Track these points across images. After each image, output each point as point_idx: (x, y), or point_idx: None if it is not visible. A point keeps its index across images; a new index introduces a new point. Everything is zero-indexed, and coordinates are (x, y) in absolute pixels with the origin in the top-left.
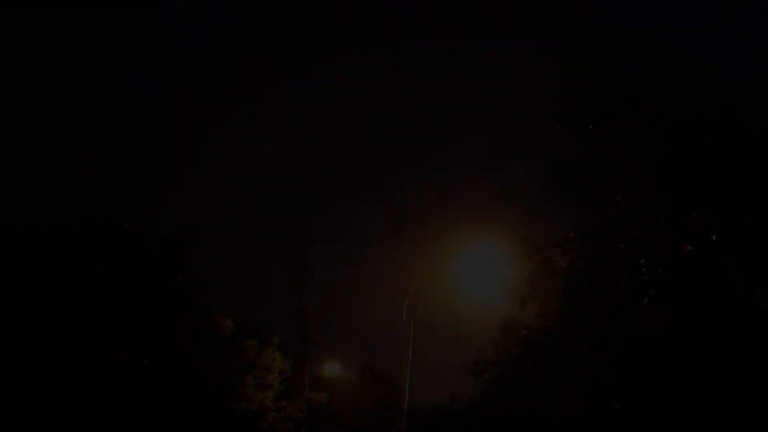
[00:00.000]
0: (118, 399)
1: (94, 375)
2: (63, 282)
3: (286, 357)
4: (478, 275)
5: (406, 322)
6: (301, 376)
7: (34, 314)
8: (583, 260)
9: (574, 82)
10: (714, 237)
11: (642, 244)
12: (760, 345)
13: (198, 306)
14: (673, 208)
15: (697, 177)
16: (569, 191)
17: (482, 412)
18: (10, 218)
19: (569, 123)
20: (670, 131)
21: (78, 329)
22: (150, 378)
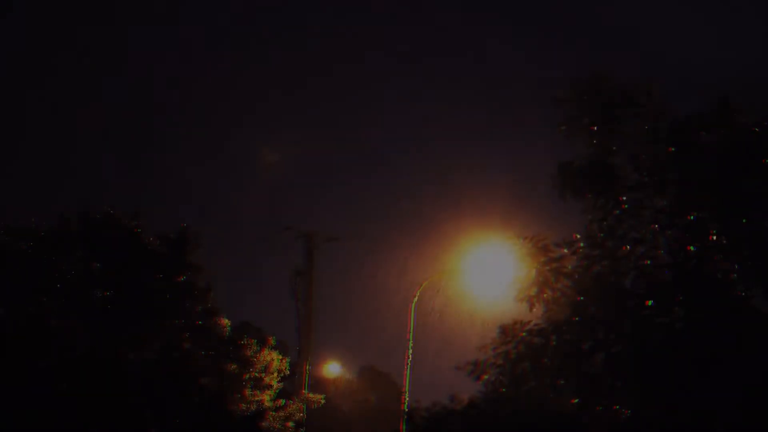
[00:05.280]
0: (117, 397)
1: (94, 374)
2: (64, 281)
3: (284, 357)
4: (485, 276)
5: (413, 323)
6: (300, 376)
7: (34, 313)
8: (590, 261)
9: (577, 83)
10: (714, 237)
11: (646, 245)
12: (760, 346)
13: (203, 304)
14: (674, 208)
15: (696, 177)
16: (575, 191)
17: (482, 412)
18: (9, 218)
19: (573, 124)
20: (670, 131)
21: (79, 327)
22: (149, 377)
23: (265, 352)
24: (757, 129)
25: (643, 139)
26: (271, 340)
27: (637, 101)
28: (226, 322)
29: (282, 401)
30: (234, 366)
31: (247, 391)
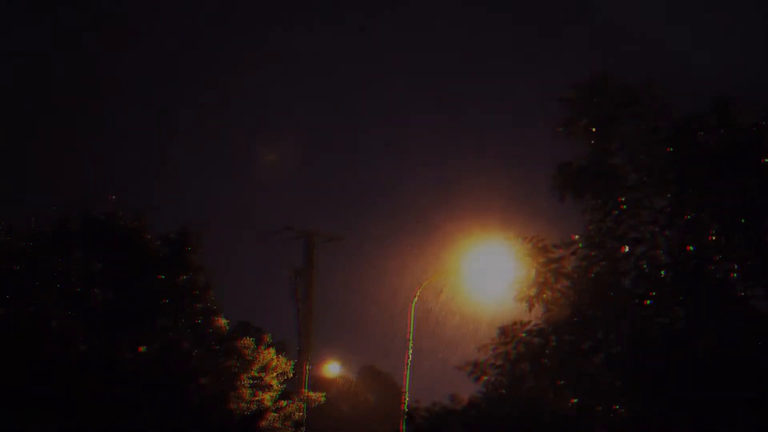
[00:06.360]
0: (117, 397)
1: (93, 374)
2: (64, 281)
3: (286, 357)
4: (485, 276)
5: (413, 323)
6: (301, 376)
7: (34, 313)
8: (589, 261)
9: (579, 84)
10: (714, 237)
11: (645, 245)
12: (760, 346)
13: (202, 304)
14: (673, 208)
15: (696, 177)
16: (575, 192)
17: (482, 412)
18: (10, 219)
19: (573, 125)
20: (671, 131)
21: (79, 327)
22: (149, 377)
23: (263, 349)
24: (756, 129)
25: (643, 139)
26: (267, 338)
27: (639, 102)
28: (224, 321)
29: (284, 402)
30: (233, 365)
31: (247, 391)
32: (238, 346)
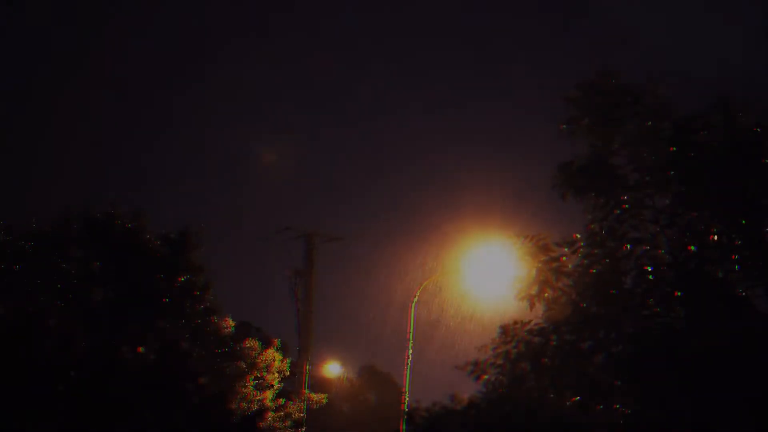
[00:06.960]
0: (116, 397)
1: (93, 374)
2: (64, 281)
3: (285, 357)
4: (485, 276)
5: (413, 323)
6: (301, 376)
7: (33, 313)
8: (590, 260)
9: (582, 83)
10: (715, 237)
11: (647, 245)
12: (760, 346)
13: (202, 304)
14: (675, 208)
15: (697, 176)
16: (576, 191)
17: (482, 412)
18: (10, 219)
19: (574, 123)
20: (671, 131)
21: (78, 327)
22: (149, 377)
23: (269, 352)
24: (757, 129)
25: (644, 139)
26: (276, 342)
27: (642, 101)
28: (230, 323)
29: (282, 401)
30: (235, 366)
31: (249, 391)
32: (245, 347)
